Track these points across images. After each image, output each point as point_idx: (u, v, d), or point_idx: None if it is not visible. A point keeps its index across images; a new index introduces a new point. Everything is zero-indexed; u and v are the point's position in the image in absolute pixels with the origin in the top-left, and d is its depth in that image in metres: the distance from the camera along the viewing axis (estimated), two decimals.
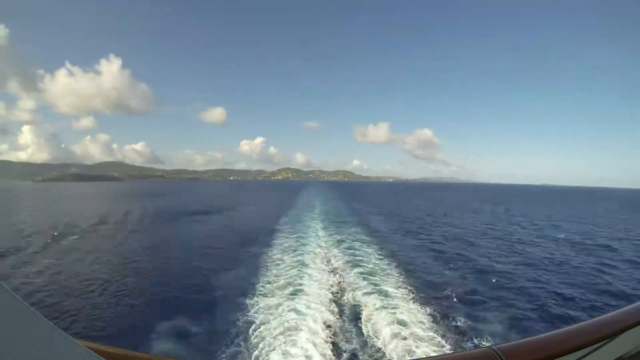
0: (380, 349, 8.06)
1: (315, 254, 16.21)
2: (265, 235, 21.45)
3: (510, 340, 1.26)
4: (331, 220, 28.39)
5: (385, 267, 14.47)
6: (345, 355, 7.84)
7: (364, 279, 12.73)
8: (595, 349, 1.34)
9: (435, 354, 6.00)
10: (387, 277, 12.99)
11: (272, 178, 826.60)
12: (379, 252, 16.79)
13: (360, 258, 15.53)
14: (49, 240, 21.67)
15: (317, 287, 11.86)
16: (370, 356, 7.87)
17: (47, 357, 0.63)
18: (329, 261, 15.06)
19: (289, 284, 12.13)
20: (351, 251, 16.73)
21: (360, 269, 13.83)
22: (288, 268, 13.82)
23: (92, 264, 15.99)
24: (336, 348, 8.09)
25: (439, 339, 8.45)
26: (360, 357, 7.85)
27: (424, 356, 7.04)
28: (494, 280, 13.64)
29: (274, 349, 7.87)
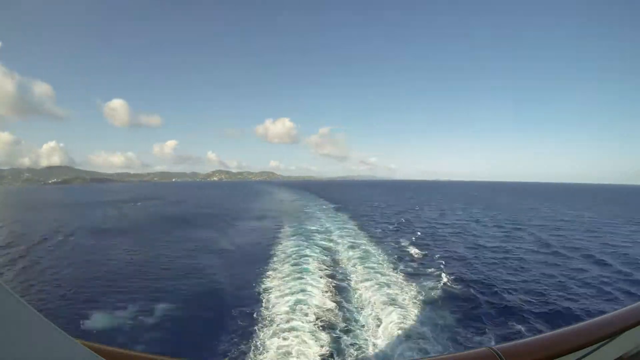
0: (379, 349, 7.92)
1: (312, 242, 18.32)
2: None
3: (510, 340, 1.27)
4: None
5: (380, 264, 14.73)
6: (343, 354, 7.74)
7: (362, 276, 12.78)
8: (595, 349, 1.35)
9: (435, 354, 5.93)
10: (384, 275, 12.97)
11: (208, 179, 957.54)
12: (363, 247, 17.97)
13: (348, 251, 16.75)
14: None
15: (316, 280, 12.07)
16: (369, 356, 7.72)
17: (47, 357, 0.62)
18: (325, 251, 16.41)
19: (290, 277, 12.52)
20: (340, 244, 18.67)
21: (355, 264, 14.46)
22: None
23: (95, 263, 16.65)
24: (335, 347, 7.96)
25: (439, 338, 8.38)
26: (359, 357, 7.71)
27: (424, 356, 7.27)
28: (491, 279, 13.73)
29: (272, 347, 7.76)
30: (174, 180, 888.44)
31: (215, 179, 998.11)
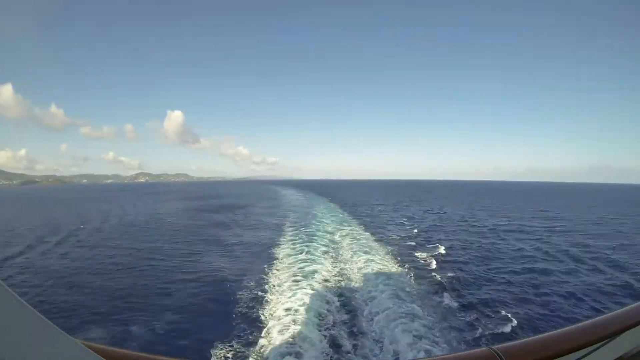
0: (379, 350, 7.89)
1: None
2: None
3: (510, 340, 1.28)
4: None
5: (376, 259, 14.84)
6: (343, 354, 7.81)
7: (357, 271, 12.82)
8: (595, 349, 1.37)
9: (435, 354, 6.08)
10: (383, 274, 12.76)
11: (135, 181, 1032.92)
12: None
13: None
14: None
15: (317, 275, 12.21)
16: (368, 356, 7.71)
17: (47, 357, 0.63)
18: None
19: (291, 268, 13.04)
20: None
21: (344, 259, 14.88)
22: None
23: (92, 262, 16.82)
24: (335, 347, 8.02)
25: (439, 339, 8.36)
26: (358, 357, 7.76)
27: (424, 356, 7.40)
28: (493, 277, 13.79)
29: (272, 346, 7.81)
30: (104, 182, 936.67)
31: (142, 180, 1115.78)
